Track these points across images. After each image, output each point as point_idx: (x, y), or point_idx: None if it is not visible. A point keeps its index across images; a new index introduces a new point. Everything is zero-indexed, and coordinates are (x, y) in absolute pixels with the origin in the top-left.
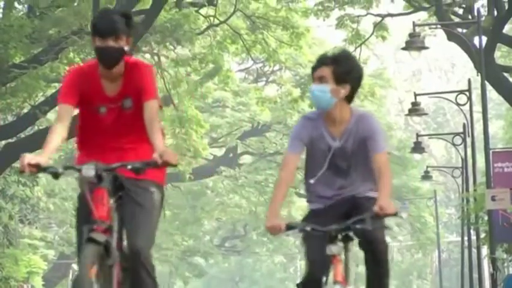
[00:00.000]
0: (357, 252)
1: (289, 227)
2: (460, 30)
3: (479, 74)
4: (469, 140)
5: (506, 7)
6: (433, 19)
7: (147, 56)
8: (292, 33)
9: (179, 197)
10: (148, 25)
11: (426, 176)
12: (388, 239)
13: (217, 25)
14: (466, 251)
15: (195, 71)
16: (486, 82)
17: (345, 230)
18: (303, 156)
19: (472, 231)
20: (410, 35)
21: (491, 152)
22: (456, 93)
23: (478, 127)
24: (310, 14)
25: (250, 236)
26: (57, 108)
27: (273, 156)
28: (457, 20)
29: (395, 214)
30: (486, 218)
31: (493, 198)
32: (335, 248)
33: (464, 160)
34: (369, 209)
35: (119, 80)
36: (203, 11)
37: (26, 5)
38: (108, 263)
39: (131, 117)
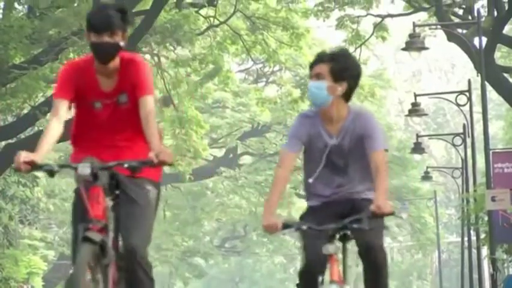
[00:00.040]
0: (356, 252)
1: (286, 226)
2: (460, 30)
3: (479, 74)
4: (469, 141)
5: (506, 8)
6: (433, 20)
7: (147, 56)
8: (292, 34)
9: (179, 197)
10: (148, 26)
11: (426, 177)
12: (388, 239)
13: (217, 26)
14: (466, 252)
15: (195, 71)
16: (486, 83)
17: (342, 229)
18: (301, 156)
19: (472, 232)
20: (410, 36)
21: (491, 152)
22: (456, 94)
23: (478, 128)
24: (310, 15)
25: (250, 236)
26: None
27: (273, 157)
28: (457, 20)
29: (392, 213)
30: (486, 218)
31: (493, 199)
32: (331, 247)
33: (464, 161)
34: (367, 209)
35: (115, 76)
36: (203, 11)
37: (26, 6)
38: (103, 263)
39: (126, 112)
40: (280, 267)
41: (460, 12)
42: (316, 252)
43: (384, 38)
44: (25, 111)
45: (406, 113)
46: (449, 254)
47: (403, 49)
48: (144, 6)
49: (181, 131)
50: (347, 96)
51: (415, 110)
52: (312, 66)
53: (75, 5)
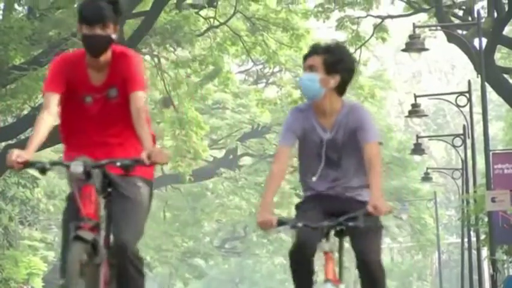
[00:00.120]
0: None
1: (281, 223)
2: (460, 31)
3: (479, 75)
4: (469, 142)
5: (506, 9)
6: (433, 21)
7: (147, 57)
8: (292, 35)
9: (179, 198)
10: (148, 27)
11: (426, 178)
12: (388, 240)
13: (217, 27)
14: (466, 253)
15: (195, 72)
16: (486, 84)
17: (338, 226)
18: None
19: (472, 233)
20: (410, 37)
21: (491, 153)
22: (456, 95)
23: (478, 128)
24: (310, 16)
25: (250, 237)
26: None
27: (273, 158)
28: (457, 21)
29: (389, 212)
30: (486, 219)
31: (493, 200)
32: (327, 245)
33: (464, 161)
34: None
35: (106, 69)
36: (203, 12)
37: (26, 7)
38: (95, 262)
39: (116, 107)
40: (280, 268)
41: (460, 13)
42: (308, 233)
43: (384, 39)
44: (25, 112)
45: (406, 114)
46: (449, 255)
47: (403, 50)
48: (144, 7)
49: (181, 132)
50: (341, 89)
51: (415, 111)
52: (305, 58)
53: (75, 6)
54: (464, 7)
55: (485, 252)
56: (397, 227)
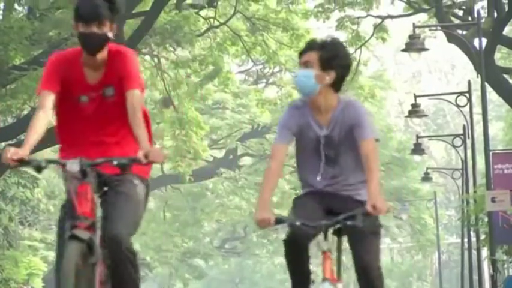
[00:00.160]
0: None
1: (279, 221)
2: (460, 31)
3: (479, 75)
4: (469, 142)
5: (506, 9)
6: (433, 21)
7: (147, 57)
8: (292, 35)
9: (179, 198)
10: (148, 27)
11: (426, 178)
12: (388, 240)
13: (217, 27)
14: (466, 253)
15: (195, 72)
16: (486, 84)
17: (335, 225)
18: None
19: (472, 233)
20: (411, 37)
21: (491, 153)
22: (456, 95)
23: (478, 129)
24: (310, 16)
25: (250, 237)
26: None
27: None
28: (457, 21)
29: (388, 211)
30: (486, 219)
31: (493, 200)
32: (325, 244)
33: (464, 162)
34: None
35: (102, 68)
36: (203, 12)
37: (26, 7)
38: (90, 261)
39: (113, 106)
40: (280, 268)
41: (460, 13)
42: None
43: (384, 39)
44: (25, 112)
45: (406, 114)
46: (449, 255)
47: (403, 50)
48: (144, 7)
49: (182, 132)
50: (336, 86)
51: (415, 111)
52: (301, 54)
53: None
54: (464, 7)
55: (485, 252)
56: (397, 227)
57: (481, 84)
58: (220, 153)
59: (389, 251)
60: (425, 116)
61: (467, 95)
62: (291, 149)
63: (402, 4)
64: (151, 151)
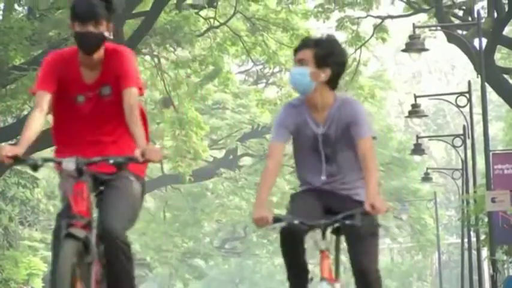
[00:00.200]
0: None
1: (277, 220)
2: (460, 32)
3: (479, 75)
4: (469, 142)
5: (506, 9)
6: (433, 21)
7: (147, 57)
8: (292, 35)
9: (179, 198)
10: (148, 27)
11: (426, 178)
12: (388, 240)
13: (217, 27)
14: (466, 253)
15: (195, 73)
16: (486, 84)
17: (334, 224)
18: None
19: (472, 233)
20: (411, 37)
21: (491, 153)
22: (456, 95)
23: (478, 129)
24: (310, 16)
25: (250, 237)
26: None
27: None
28: (457, 21)
29: (387, 211)
30: (486, 219)
31: (493, 200)
32: (323, 243)
33: (464, 162)
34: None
35: (99, 67)
36: (203, 13)
37: (26, 7)
38: (86, 260)
39: (110, 105)
40: (280, 268)
41: (460, 13)
42: (299, 213)
43: (384, 40)
44: (25, 112)
45: (406, 114)
46: (449, 255)
47: (403, 50)
48: (144, 7)
49: (182, 132)
50: (332, 83)
51: (415, 111)
52: (296, 51)
53: None
54: (464, 7)
55: (485, 252)
56: (397, 227)
57: (481, 85)
58: (220, 154)
59: (389, 251)
60: (425, 116)
61: (467, 95)
62: (290, 149)
63: (402, 4)
64: (148, 149)
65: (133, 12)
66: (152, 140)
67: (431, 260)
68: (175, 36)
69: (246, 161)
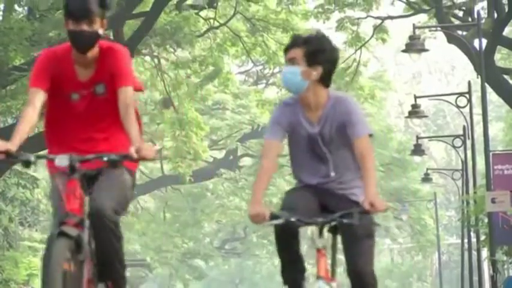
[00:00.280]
0: None
1: (274, 217)
2: (460, 32)
3: (479, 76)
4: (469, 142)
5: (506, 9)
6: (433, 21)
7: (147, 58)
8: (292, 36)
9: (179, 199)
10: (148, 28)
11: (426, 178)
12: (388, 241)
13: (217, 27)
14: (466, 253)
15: (195, 73)
16: (486, 84)
17: (331, 223)
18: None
19: (472, 234)
20: (411, 38)
21: (491, 154)
22: (456, 96)
23: (478, 129)
24: (310, 17)
25: (250, 238)
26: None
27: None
28: (457, 22)
29: (385, 210)
30: (486, 220)
31: (493, 201)
32: (320, 242)
33: (464, 162)
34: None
35: (93, 65)
36: (203, 13)
37: (25, 8)
38: (78, 259)
39: (104, 103)
40: None
41: (460, 14)
42: (295, 206)
43: (384, 40)
44: None
45: (406, 114)
46: (449, 256)
47: (403, 51)
48: (144, 8)
49: (182, 132)
50: (325, 81)
51: (415, 112)
52: (286, 50)
53: None
54: (464, 8)
55: (485, 253)
56: (397, 227)
57: (481, 85)
58: (220, 154)
59: (390, 252)
60: (425, 116)
61: (467, 95)
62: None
63: (402, 5)
64: (142, 147)
65: (133, 12)
66: (152, 141)
67: (431, 261)
68: (175, 37)
69: (246, 161)
